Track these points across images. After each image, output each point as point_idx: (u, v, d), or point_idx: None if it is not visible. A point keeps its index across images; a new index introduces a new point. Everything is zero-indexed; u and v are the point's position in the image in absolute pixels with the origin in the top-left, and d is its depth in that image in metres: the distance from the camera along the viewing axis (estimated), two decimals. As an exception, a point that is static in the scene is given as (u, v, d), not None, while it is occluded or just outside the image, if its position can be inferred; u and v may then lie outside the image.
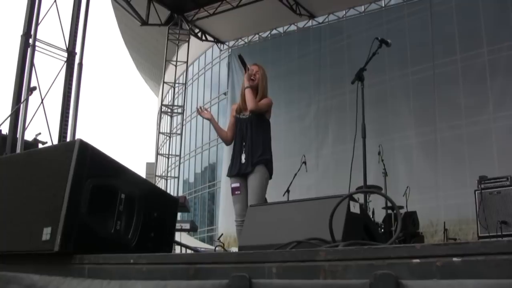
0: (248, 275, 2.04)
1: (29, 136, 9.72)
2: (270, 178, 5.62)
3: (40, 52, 10.34)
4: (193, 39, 17.53)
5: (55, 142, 10.18)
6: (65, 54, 10.89)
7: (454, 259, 1.69)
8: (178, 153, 18.29)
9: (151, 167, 39.14)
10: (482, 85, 12.15)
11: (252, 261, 2.11)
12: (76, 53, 11.02)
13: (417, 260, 1.75)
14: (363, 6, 15.44)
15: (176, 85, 18.73)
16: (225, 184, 16.67)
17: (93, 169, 3.06)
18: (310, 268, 1.95)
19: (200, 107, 6.01)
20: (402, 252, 1.79)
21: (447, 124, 12.55)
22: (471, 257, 1.67)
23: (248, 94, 5.65)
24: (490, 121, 11.85)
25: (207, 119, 5.95)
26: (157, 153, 18.20)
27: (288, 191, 10.54)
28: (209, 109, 6.11)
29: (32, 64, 10.04)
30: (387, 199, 3.93)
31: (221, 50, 21.22)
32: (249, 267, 2.10)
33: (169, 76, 19.03)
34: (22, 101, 9.70)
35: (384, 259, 1.81)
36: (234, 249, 10.12)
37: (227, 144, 6.06)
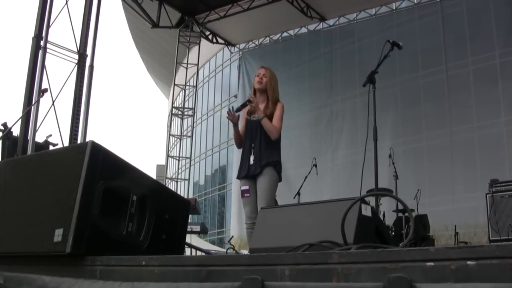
0: (261, 277, 2.03)
1: (40, 138, 9.76)
2: (280, 180, 5.62)
3: (51, 54, 10.37)
4: (203, 41, 17.55)
5: (66, 144, 10.20)
6: (76, 56, 10.91)
7: (469, 262, 1.67)
8: (188, 155, 18.31)
9: (161, 169, 39.25)
10: (493, 88, 12.08)
11: (265, 264, 2.10)
12: (87, 55, 11.03)
13: (431, 263, 1.73)
14: (374, 9, 15.39)
15: (187, 87, 18.76)
16: (236, 187, 16.67)
17: (105, 170, 3.06)
18: (323, 271, 1.94)
19: (232, 108, 5.94)
20: (416, 255, 1.78)
21: (458, 127, 12.49)
22: (485, 261, 1.65)
23: (266, 123, 5.61)
24: (501, 124, 11.78)
25: (234, 123, 5.88)
26: (168, 155, 18.14)
27: (298, 193, 10.52)
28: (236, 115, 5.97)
29: (43, 66, 10.07)
30: (400, 202, 3.92)
31: (231, 53, 21.22)
32: (262, 269, 2.09)
33: (179, 78, 19.06)
34: (33, 103, 9.72)
35: (397, 262, 1.79)
36: (245, 252, 10.12)
37: (238, 147, 6.05)
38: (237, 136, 5.94)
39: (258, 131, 5.65)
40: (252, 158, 5.59)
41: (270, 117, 5.64)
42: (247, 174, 5.59)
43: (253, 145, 5.64)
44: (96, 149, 3.01)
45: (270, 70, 5.90)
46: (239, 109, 5.92)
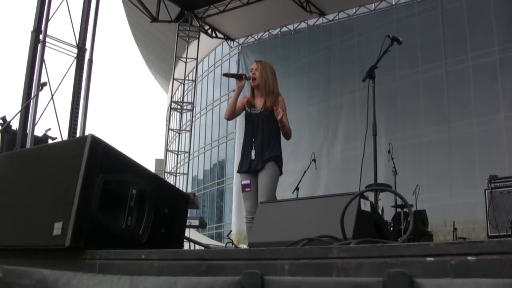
0: (260, 271, 2.03)
1: (39, 132, 9.76)
2: (281, 174, 5.60)
3: (50, 48, 10.36)
4: (203, 36, 17.52)
5: (65, 137, 10.20)
6: (75, 50, 10.90)
7: (469, 257, 1.67)
8: (187, 149, 18.31)
9: (160, 163, 39.24)
10: (493, 83, 12.06)
11: (264, 258, 2.10)
12: (86, 49, 11.02)
13: (431, 259, 1.73)
14: (373, 4, 15.35)
15: (186, 81, 18.77)
16: (236, 182, 16.66)
17: (105, 164, 3.05)
18: (323, 266, 1.94)
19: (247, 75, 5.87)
20: (416, 250, 1.78)
21: (457, 123, 12.46)
22: (486, 256, 1.65)
23: (286, 128, 5.64)
24: (501, 120, 11.76)
25: (240, 85, 5.77)
26: (166, 150, 18.13)
27: (297, 188, 10.52)
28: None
29: (42, 60, 10.06)
30: (400, 197, 3.92)
31: (231, 47, 21.17)
32: (261, 264, 2.09)
33: (179, 72, 19.04)
34: (32, 97, 9.72)
35: (397, 257, 1.79)
36: (244, 246, 10.13)
37: (228, 118, 5.95)
38: (233, 104, 5.77)
39: (260, 125, 5.60)
40: (253, 153, 5.53)
41: (271, 110, 5.55)
42: (249, 169, 5.54)
43: (254, 139, 5.60)
44: (96, 142, 3.00)
45: (262, 63, 5.78)
46: (227, 75, 5.92)
